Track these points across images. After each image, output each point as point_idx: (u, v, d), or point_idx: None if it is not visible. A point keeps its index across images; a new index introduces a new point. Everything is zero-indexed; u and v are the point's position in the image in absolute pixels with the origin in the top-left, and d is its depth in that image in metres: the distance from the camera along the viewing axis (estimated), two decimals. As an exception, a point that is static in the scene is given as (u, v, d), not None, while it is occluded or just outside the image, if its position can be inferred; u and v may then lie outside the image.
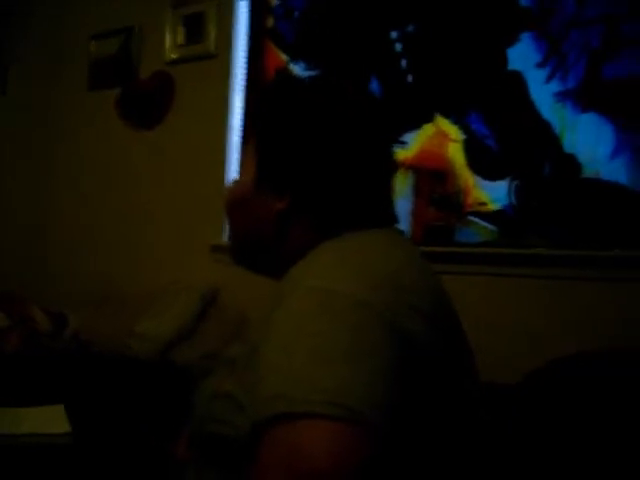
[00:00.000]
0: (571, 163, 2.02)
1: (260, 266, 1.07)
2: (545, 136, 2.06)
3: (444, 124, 2.26)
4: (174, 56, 2.97)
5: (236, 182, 1.08)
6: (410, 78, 2.33)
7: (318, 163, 0.96)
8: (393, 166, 1.06)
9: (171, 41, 2.98)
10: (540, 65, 2.09)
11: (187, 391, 1.01)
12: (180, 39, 2.96)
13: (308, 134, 0.97)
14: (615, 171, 1.96)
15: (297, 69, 2.62)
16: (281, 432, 0.67)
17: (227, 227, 1.08)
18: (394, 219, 1.04)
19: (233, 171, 2.72)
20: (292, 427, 0.66)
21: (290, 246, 0.98)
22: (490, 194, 2.16)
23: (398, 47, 2.37)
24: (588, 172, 2.00)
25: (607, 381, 1.61)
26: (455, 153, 2.23)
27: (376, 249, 0.90)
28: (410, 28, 2.35)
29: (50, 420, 1.60)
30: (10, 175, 3.33)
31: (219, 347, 1.79)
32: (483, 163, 2.18)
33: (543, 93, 2.08)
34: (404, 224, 2.26)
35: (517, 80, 2.12)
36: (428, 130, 2.29)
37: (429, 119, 2.28)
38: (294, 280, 0.84)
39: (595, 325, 1.92)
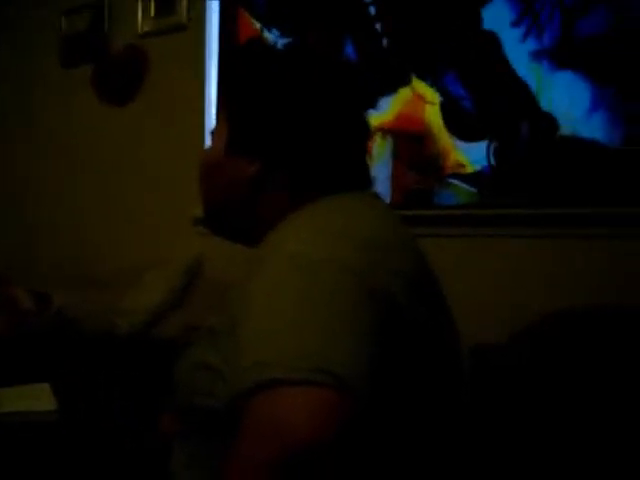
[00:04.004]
0: (548, 122, 2.01)
1: (236, 233, 1.06)
2: (522, 95, 2.05)
3: (421, 87, 2.24)
4: (146, 29, 2.93)
5: (208, 149, 1.07)
6: (385, 41, 2.31)
7: (289, 127, 0.95)
8: (366, 130, 1.05)
9: (142, 14, 2.93)
10: (514, 24, 2.07)
11: (172, 364, 1.01)
12: (151, 11, 2.91)
13: (278, 98, 0.96)
14: (592, 128, 1.95)
15: (271, 37, 2.59)
16: (265, 400, 0.66)
17: (200, 194, 1.08)
18: (369, 182, 1.04)
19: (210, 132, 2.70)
20: (277, 395, 0.66)
21: (265, 212, 0.97)
22: (469, 156, 2.15)
23: (372, 10, 2.34)
24: (565, 130, 2.00)
25: (592, 338, 1.63)
26: (433, 116, 2.22)
27: (354, 213, 0.89)
28: (383, -10, 2.32)
29: (36, 398, 1.60)
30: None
31: (205, 318, 1.79)
32: (461, 125, 2.17)
33: (518, 52, 2.07)
34: (384, 188, 2.26)
35: (492, 40, 2.11)
36: (405, 93, 2.27)
37: (405, 82, 2.27)
38: (272, 246, 0.84)
39: (578, 282, 1.93)
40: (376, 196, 1.03)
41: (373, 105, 2.28)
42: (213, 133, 1.06)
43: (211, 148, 1.06)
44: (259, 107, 0.97)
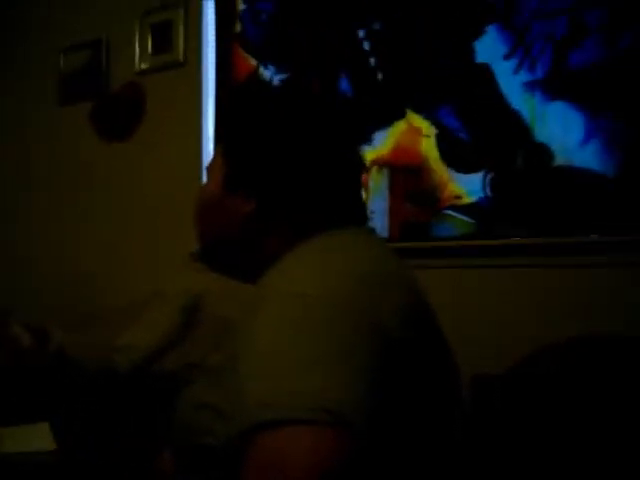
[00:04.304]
0: (543, 152, 2.03)
1: (232, 269, 1.06)
2: (516, 126, 2.07)
3: (416, 120, 2.26)
4: (144, 66, 2.96)
5: (205, 186, 1.08)
6: (380, 75, 2.34)
7: (285, 165, 0.96)
8: (361, 165, 1.06)
9: (140, 51, 2.97)
10: (507, 57, 2.10)
11: (172, 401, 1.01)
12: (149, 49, 2.95)
13: (274, 136, 0.98)
14: (587, 158, 1.97)
15: (267, 73, 2.61)
16: (265, 440, 0.67)
17: (196, 230, 1.08)
18: (365, 218, 1.05)
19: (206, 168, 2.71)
20: (276, 434, 0.67)
21: (262, 249, 0.98)
22: (465, 187, 2.16)
23: (366, 45, 2.37)
24: (560, 160, 2.01)
25: (590, 368, 1.62)
26: (428, 148, 2.24)
27: (351, 249, 0.90)
28: (377, 26, 2.35)
29: (35, 438, 1.59)
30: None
31: (204, 355, 1.78)
32: (456, 156, 2.19)
33: (512, 84, 2.09)
34: (381, 221, 2.27)
35: (485, 72, 2.13)
36: (400, 126, 2.29)
37: (401, 115, 2.29)
38: (269, 285, 0.84)
39: (576, 312, 1.93)
40: (371, 231, 1.04)
41: (368, 140, 2.30)
42: (209, 169, 1.07)
43: (207, 184, 1.07)
44: (255, 145, 0.98)
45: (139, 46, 2.97)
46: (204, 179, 2.76)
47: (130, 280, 2.88)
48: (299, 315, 0.75)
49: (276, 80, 2.37)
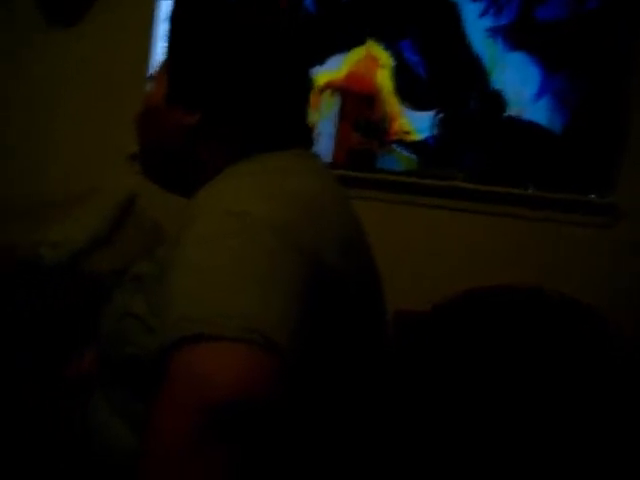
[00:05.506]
0: (497, 100, 2.04)
1: (170, 182, 1.03)
2: (474, 70, 2.07)
3: (375, 49, 2.23)
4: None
5: (149, 94, 1.03)
6: (346, -2, 2.29)
7: (231, 79, 0.91)
8: (310, 87, 1.03)
9: None
10: (476, -1, 2.08)
11: (99, 302, 0.99)
12: None
13: (222, 48, 0.92)
14: (537, 112, 1.99)
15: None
16: (190, 356, 0.63)
17: (137, 138, 1.04)
18: (310, 141, 1.02)
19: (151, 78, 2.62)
20: (201, 350, 0.62)
21: (201, 165, 0.95)
22: (415, 124, 2.16)
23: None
24: (512, 111, 2.03)
25: (503, 316, 1.71)
26: (384, 79, 2.21)
27: (291, 172, 0.88)
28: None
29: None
30: None
31: (135, 258, 1.76)
32: (411, 91, 2.17)
33: (476, 27, 2.08)
34: (327, 145, 2.25)
35: (452, 12, 2.10)
36: (359, 53, 2.26)
37: (360, 42, 2.25)
38: (205, 201, 0.81)
39: (503, 260, 1.98)
40: (315, 156, 1.02)
41: (321, 61, 2.25)
42: (155, 77, 1.02)
43: (152, 93, 1.02)
44: (203, 57, 0.93)
45: None
46: (150, 78, 2.67)
47: (64, 175, 2.80)
48: (237, 234, 0.72)
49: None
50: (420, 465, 1.50)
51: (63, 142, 2.88)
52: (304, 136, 1.01)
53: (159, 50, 2.65)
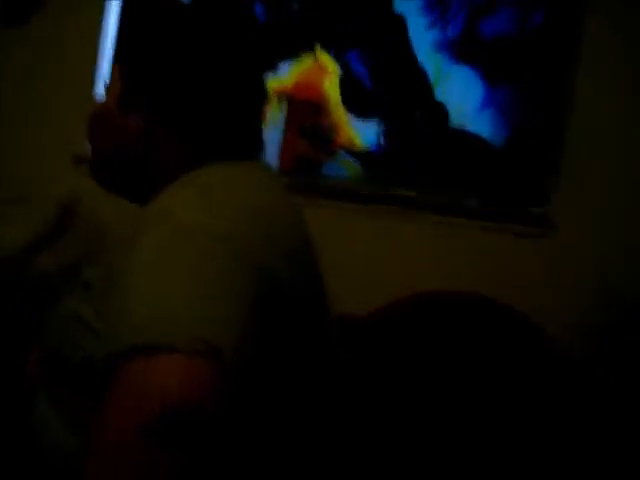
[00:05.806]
0: (441, 112, 2.08)
1: (121, 188, 1.02)
2: (419, 82, 2.11)
3: (323, 57, 2.25)
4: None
5: (100, 98, 1.03)
6: (295, 6, 2.30)
7: (182, 85, 0.92)
8: (263, 95, 1.03)
9: None
10: (423, 12, 2.12)
11: (42, 303, 0.98)
12: None
13: (174, 54, 0.92)
14: (480, 125, 2.04)
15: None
16: (136, 365, 0.64)
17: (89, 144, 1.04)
18: (262, 150, 1.03)
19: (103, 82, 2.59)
20: (148, 360, 0.64)
21: (152, 172, 0.95)
22: (360, 133, 2.19)
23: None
24: (455, 122, 2.07)
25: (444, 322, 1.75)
26: (331, 88, 2.24)
27: (242, 183, 0.88)
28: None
29: None
30: None
31: (78, 260, 1.74)
32: (356, 102, 2.20)
33: (422, 40, 2.12)
34: (272, 153, 2.26)
35: (400, 24, 2.14)
36: (307, 61, 2.28)
37: (309, 50, 2.27)
38: (156, 211, 0.81)
39: (443, 268, 2.02)
40: (267, 168, 1.02)
41: (272, 67, 2.27)
42: (107, 85, 1.01)
43: (103, 98, 1.01)
44: (155, 62, 0.93)
45: None
46: (99, 82, 2.64)
47: (9, 176, 2.74)
48: (187, 244, 0.73)
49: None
50: (358, 469, 1.52)
51: (6, 143, 2.82)
52: (257, 145, 1.01)
53: (107, 53, 2.62)
